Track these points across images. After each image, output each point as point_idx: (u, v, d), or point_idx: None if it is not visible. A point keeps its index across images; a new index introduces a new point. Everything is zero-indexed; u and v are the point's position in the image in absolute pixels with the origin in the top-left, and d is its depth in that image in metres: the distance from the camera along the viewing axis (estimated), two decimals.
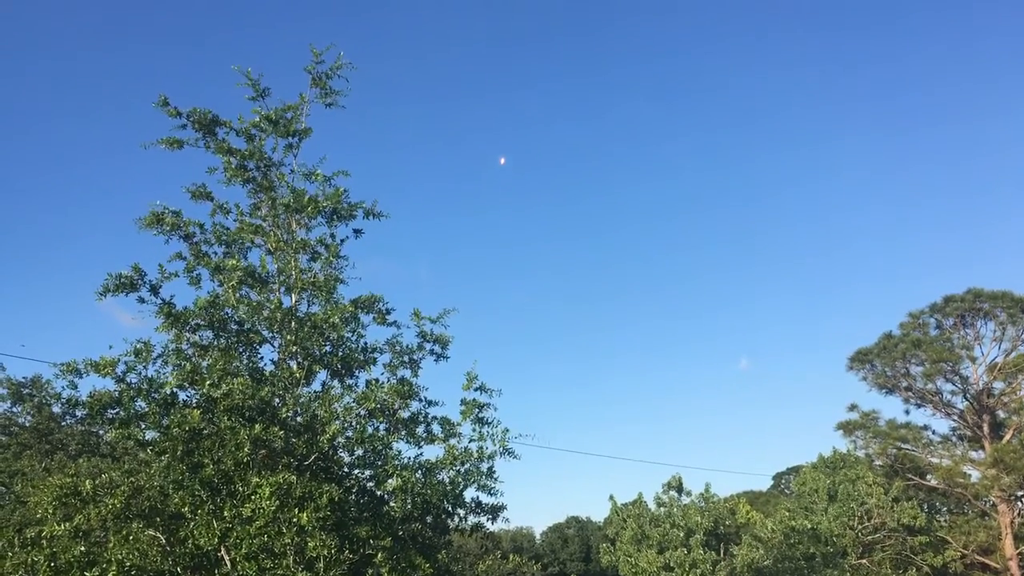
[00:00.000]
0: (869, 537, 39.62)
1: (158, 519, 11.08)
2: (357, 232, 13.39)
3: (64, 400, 11.33)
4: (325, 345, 12.40)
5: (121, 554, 10.31)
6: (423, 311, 13.07)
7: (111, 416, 11.12)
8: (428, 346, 13.02)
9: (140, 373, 11.39)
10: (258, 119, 13.32)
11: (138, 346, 11.45)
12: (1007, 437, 41.36)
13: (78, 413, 11.53)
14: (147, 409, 11.10)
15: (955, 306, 43.28)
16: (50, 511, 10.86)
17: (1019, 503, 42.24)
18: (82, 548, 10.43)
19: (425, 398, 12.70)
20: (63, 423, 26.58)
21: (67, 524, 10.55)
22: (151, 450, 11.26)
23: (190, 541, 10.67)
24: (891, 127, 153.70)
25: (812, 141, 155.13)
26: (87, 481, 11.03)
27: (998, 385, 42.72)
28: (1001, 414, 43.01)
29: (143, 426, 11.19)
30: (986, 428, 42.28)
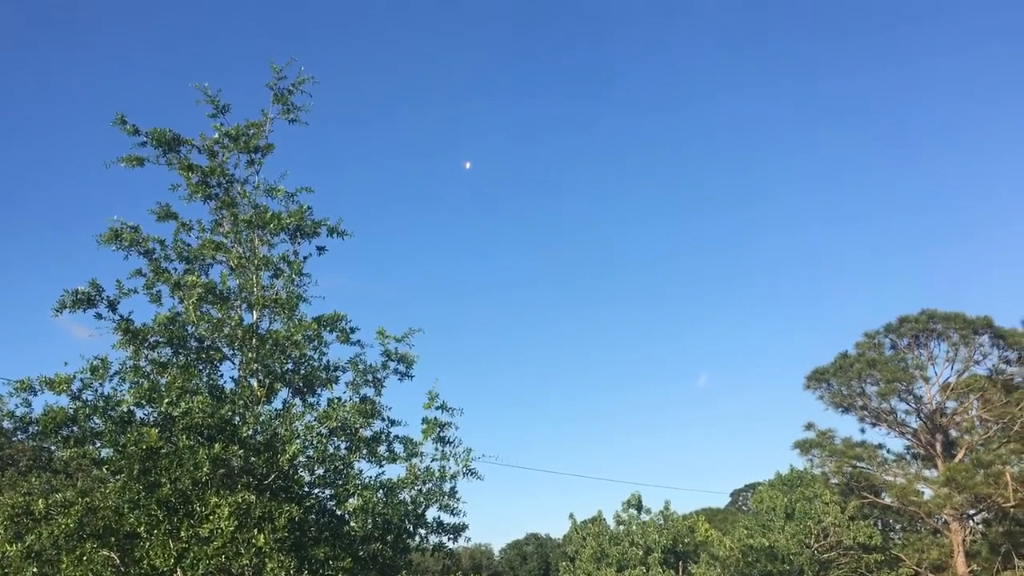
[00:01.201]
0: (825, 555, 40.05)
1: (113, 539, 10.87)
2: (320, 249, 13.32)
3: (17, 418, 11.12)
4: (287, 363, 12.30)
5: (75, 575, 10.11)
6: (384, 327, 13.04)
7: (66, 434, 10.93)
8: (392, 365, 12.97)
9: (96, 390, 11.21)
10: (218, 135, 13.23)
11: (95, 363, 11.27)
12: (959, 456, 42.07)
13: (31, 430, 11.27)
14: (103, 427, 10.91)
15: (909, 327, 44.03)
16: (1, 531, 10.62)
17: (970, 521, 42.98)
18: (34, 569, 10.22)
19: (388, 417, 12.66)
20: (14, 439, 26.04)
21: (18, 544, 10.32)
22: (106, 469, 11.08)
23: (145, 562, 10.49)
24: (858, 146, 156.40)
25: (773, 159, 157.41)
26: (40, 500, 10.81)
27: (951, 404, 43.48)
28: (953, 433, 43.75)
29: (98, 444, 11.01)
30: (939, 447, 42.98)
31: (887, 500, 43.82)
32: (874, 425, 45.00)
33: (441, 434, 12.77)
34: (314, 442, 11.71)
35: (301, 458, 11.61)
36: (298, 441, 11.39)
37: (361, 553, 11.89)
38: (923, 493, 42.26)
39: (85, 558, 10.48)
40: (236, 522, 10.05)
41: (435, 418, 12.77)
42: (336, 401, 12.27)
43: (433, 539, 12.88)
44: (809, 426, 45.73)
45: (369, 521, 11.64)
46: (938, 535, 42.89)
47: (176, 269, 12.68)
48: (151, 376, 11.65)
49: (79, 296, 11.68)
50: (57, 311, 11.60)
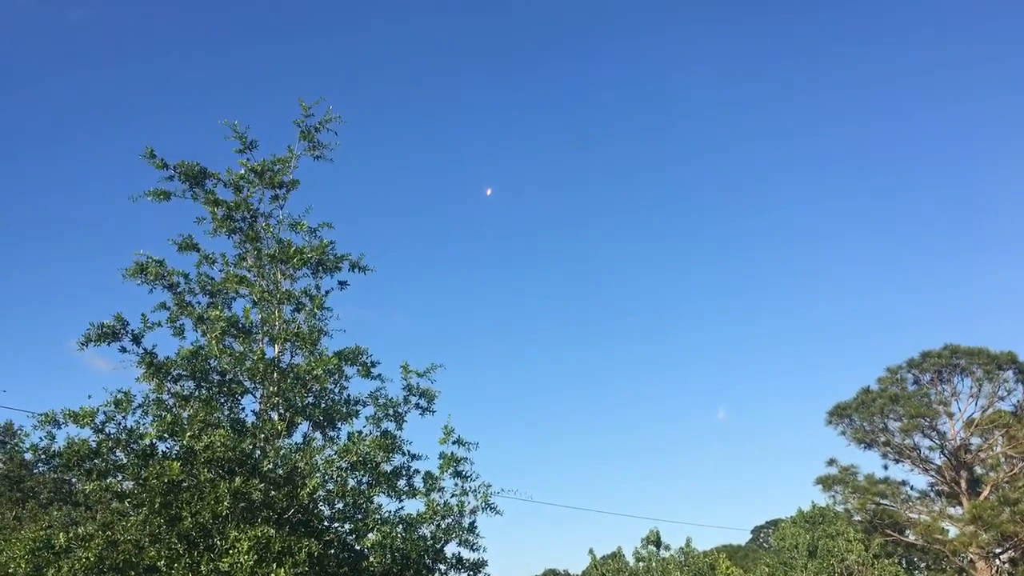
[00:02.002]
0: None
1: (133, 573, 10.85)
2: (342, 284, 13.41)
3: (40, 450, 11.18)
4: (308, 396, 12.34)
5: None
6: (400, 359, 13.15)
7: (88, 467, 10.97)
8: (414, 399, 12.98)
9: (119, 424, 11.27)
10: (244, 171, 13.39)
11: (118, 396, 11.33)
12: (984, 493, 41.44)
13: (53, 463, 11.31)
14: (126, 460, 10.96)
15: (932, 362, 43.63)
16: (22, 565, 10.63)
17: (997, 560, 42.20)
18: None
19: (409, 451, 12.65)
20: (35, 471, 26.15)
21: None
22: (128, 502, 11.10)
23: None
24: (875, 186, 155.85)
25: (796, 202, 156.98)
26: (60, 533, 10.83)
27: (975, 441, 42.95)
28: (978, 470, 43.16)
29: (120, 477, 11.04)
30: (964, 484, 42.37)
31: (912, 538, 43.15)
32: (897, 461, 44.50)
33: (458, 468, 12.74)
34: (334, 476, 11.71)
35: (321, 492, 11.60)
36: (318, 475, 11.39)
37: None
38: (948, 531, 41.63)
39: None
40: (256, 556, 10.03)
41: (451, 453, 12.75)
42: (356, 435, 12.28)
43: (452, 575, 12.80)
44: (831, 462, 45.30)
45: (388, 556, 11.59)
46: (964, 574, 42.12)
47: (200, 302, 12.79)
48: (173, 409, 11.71)
49: (104, 330, 11.79)
50: (83, 345, 11.71)
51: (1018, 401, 42.94)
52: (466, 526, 12.44)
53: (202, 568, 10.37)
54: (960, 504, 42.39)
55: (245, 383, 12.43)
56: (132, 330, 11.98)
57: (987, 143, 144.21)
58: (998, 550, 41.55)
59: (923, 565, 47.40)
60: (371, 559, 11.71)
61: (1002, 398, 42.75)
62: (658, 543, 36.38)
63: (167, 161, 13.02)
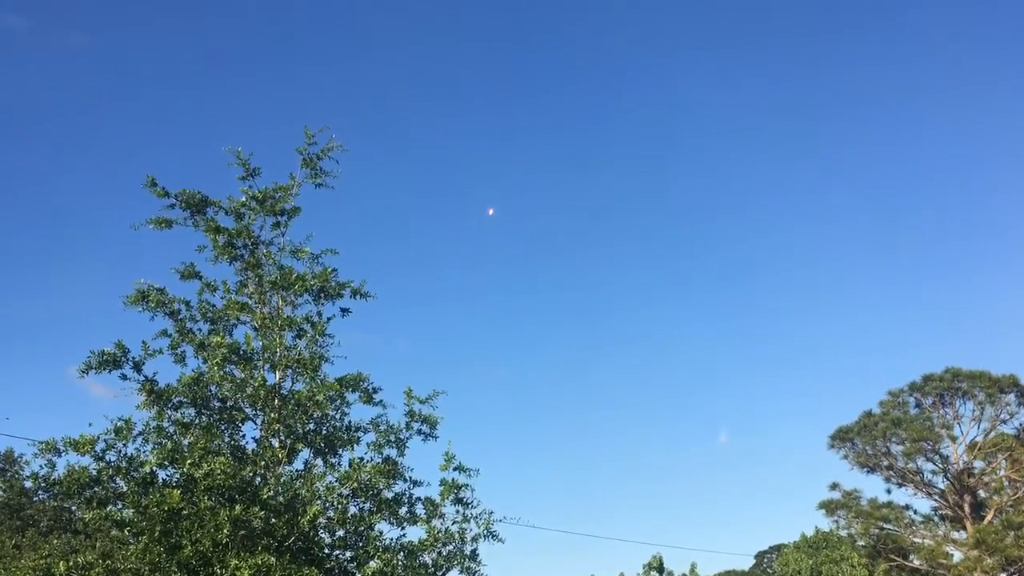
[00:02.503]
0: None
1: None
2: (344, 311, 13.43)
3: (40, 478, 11.16)
4: (309, 423, 12.33)
5: None
6: (402, 385, 13.15)
7: (89, 495, 10.95)
8: (416, 425, 12.96)
9: (120, 451, 11.26)
10: (246, 198, 13.46)
11: (119, 424, 11.33)
12: (988, 517, 41.23)
13: (54, 491, 11.29)
14: (126, 488, 10.94)
15: (934, 385, 43.56)
16: None
17: None
18: None
19: (410, 478, 12.62)
20: (35, 498, 26.06)
21: None
22: (128, 531, 11.06)
23: None
24: (877, 213, 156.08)
25: (798, 224, 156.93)
26: (60, 562, 10.78)
27: (978, 464, 42.77)
28: (982, 494, 42.95)
29: (121, 505, 11.01)
30: (967, 508, 42.16)
31: (916, 563, 42.85)
32: (900, 485, 44.31)
33: (459, 495, 12.69)
34: (335, 503, 11.68)
35: (322, 519, 11.56)
36: (319, 502, 11.35)
37: None
38: (952, 555, 41.36)
39: None
40: None
41: (452, 480, 12.70)
42: (358, 462, 12.25)
43: None
44: (834, 486, 45.09)
45: None
46: None
47: (201, 329, 12.81)
48: (174, 437, 11.70)
49: (105, 357, 11.80)
50: (83, 372, 11.72)
51: (1021, 424, 42.83)
52: (468, 553, 12.37)
53: None
54: (964, 528, 42.15)
55: (246, 410, 12.42)
56: (133, 357, 12.00)
57: (991, 164, 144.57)
58: (1003, 574, 41.26)
59: None
60: None
61: (1004, 421, 42.67)
62: (661, 569, 36.12)
63: (168, 190, 13.10)
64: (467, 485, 12.77)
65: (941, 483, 43.60)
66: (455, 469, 12.79)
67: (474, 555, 12.40)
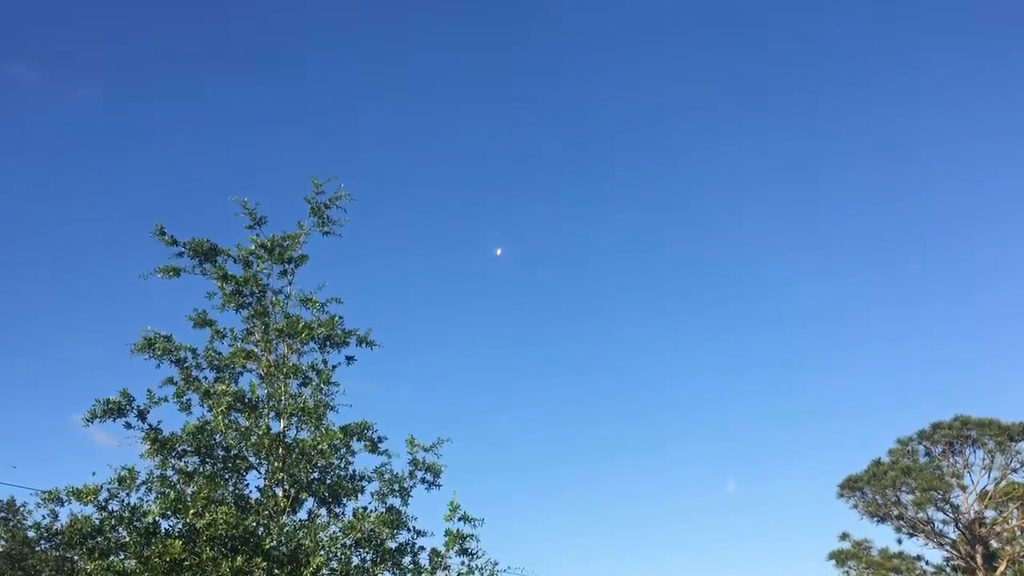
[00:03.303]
0: None
1: None
2: (350, 359, 13.44)
3: (43, 528, 11.12)
4: (313, 472, 12.27)
5: None
6: (405, 433, 13.07)
7: (91, 545, 10.88)
8: (419, 474, 12.89)
9: (123, 501, 11.21)
10: (254, 247, 13.55)
11: (122, 473, 11.30)
12: (1001, 568, 40.63)
13: (57, 541, 11.24)
14: (128, 538, 10.87)
15: (943, 433, 43.26)
16: None
17: None
18: None
19: (414, 528, 12.51)
20: (37, 548, 25.85)
21: None
22: None
23: None
24: (883, 264, 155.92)
25: (809, 280, 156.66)
26: None
27: (990, 514, 42.28)
28: (994, 544, 42.38)
29: (123, 556, 10.93)
30: (979, 559, 41.57)
31: None
32: (911, 535, 43.76)
33: (464, 546, 12.56)
34: (338, 554, 11.56)
35: (325, 571, 11.43)
36: (322, 553, 11.25)
37: None
38: None
39: None
40: None
41: (457, 530, 12.57)
42: (362, 511, 12.16)
43: None
44: (844, 536, 44.56)
45: None
46: None
47: (207, 377, 12.82)
48: (177, 486, 11.64)
49: (110, 406, 11.80)
50: (88, 421, 11.72)
51: None
52: None
53: None
54: None
55: (250, 458, 12.37)
56: (138, 406, 12.00)
57: (991, 214, 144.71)
58: None
59: None
60: None
61: (1015, 470, 42.26)
62: None
63: (176, 238, 13.22)
64: (472, 535, 12.65)
65: (952, 533, 43.10)
66: (460, 519, 12.68)
67: None
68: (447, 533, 12.58)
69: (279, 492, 12.11)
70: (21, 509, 27.07)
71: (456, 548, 12.46)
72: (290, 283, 13.60)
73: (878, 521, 44.36)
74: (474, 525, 12.66)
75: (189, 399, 12.56)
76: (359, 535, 11.61)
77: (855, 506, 44.91)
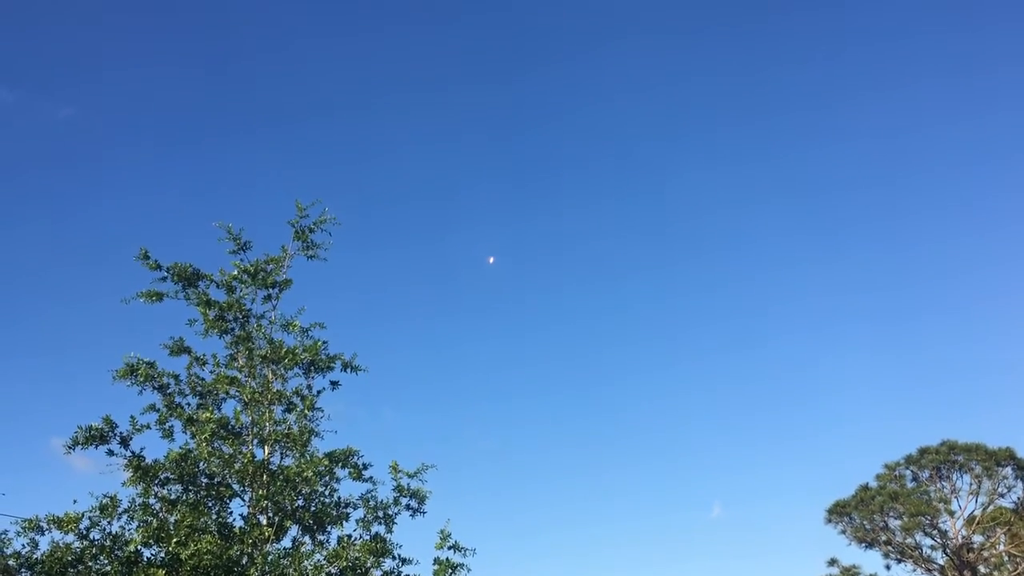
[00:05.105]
0: None
1: None
2: (334, 384, 13.34)
3: (23, 557, 10.92)
4: (297, 499, 12.12)
5: None
6: (390, 458, 12.96)
7: (71, 575, 10.69)
8: (404, 501, 12.75)
9: (104, 529, 11.05)
10: (237, 272, 13.47)
11: (104, 501, 11.14)
12: None
13: (36, 570, 11.03)
14: (110, 568, 10.69)
15: (930, 458, 43.25)
16: None
17: None
18: None
19: (399, 555, 12.34)
20: None
21: None
22: None
23: None
24: (880, 282, 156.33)
25: (797, 297, 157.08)
26: None
27: (977, 539, 42.21)
28: (982, 569, 42.28)
29: None
30: None
31: None
32: (899, 561, 43.62)
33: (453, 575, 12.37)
34: None
35: None
36: None
37: None
38: None
39: None
40: None
41: (447, 559, 12.39)
42: (346, 539, 12.02)
43: None
44: (833, 562, 44.42)
45: None
46: None
47: (190, 404, 12.69)
48: (160, 514, 11.48)
49: (92, 432, 11.66)
50: (70, 448, 11.56)
51: (1019, 498, 42.38)
52: None
53: None
54: None
55: (234, 486, 12.22)
56: (120, 432, 11.86)
57: (985, 234, 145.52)
58: None
59: None
60: None
61: (1002, 495, 42.23)
62: None
63: (160, 263, 13.13)
64: (463, 565, 12.46)
65: (940, 559, 42.95)
66: (451, 548, 12.50)
67: None
68: (436, 562, 12.40)
69: (263, 520, 11.96)
70: (1, 537, 26.61)
71: None
72: (274, 308, 13.54)
73: (866, 547, 44.23)
74: (464, 555, 12.49)
75: (172, 426, 12.43)
76: (344, 563, 11.46)
77: (843, 532, 44.79)
